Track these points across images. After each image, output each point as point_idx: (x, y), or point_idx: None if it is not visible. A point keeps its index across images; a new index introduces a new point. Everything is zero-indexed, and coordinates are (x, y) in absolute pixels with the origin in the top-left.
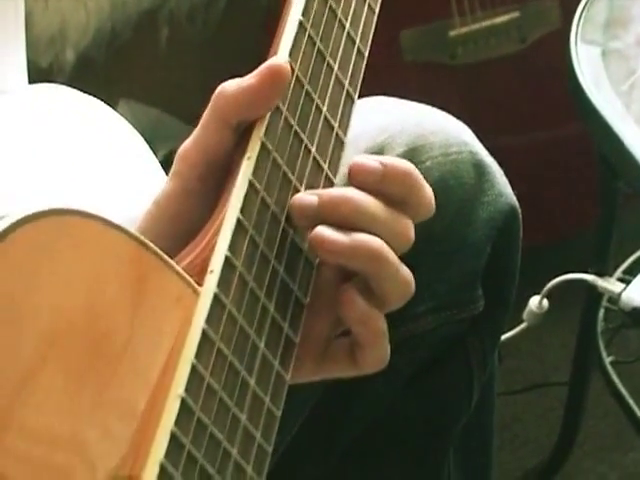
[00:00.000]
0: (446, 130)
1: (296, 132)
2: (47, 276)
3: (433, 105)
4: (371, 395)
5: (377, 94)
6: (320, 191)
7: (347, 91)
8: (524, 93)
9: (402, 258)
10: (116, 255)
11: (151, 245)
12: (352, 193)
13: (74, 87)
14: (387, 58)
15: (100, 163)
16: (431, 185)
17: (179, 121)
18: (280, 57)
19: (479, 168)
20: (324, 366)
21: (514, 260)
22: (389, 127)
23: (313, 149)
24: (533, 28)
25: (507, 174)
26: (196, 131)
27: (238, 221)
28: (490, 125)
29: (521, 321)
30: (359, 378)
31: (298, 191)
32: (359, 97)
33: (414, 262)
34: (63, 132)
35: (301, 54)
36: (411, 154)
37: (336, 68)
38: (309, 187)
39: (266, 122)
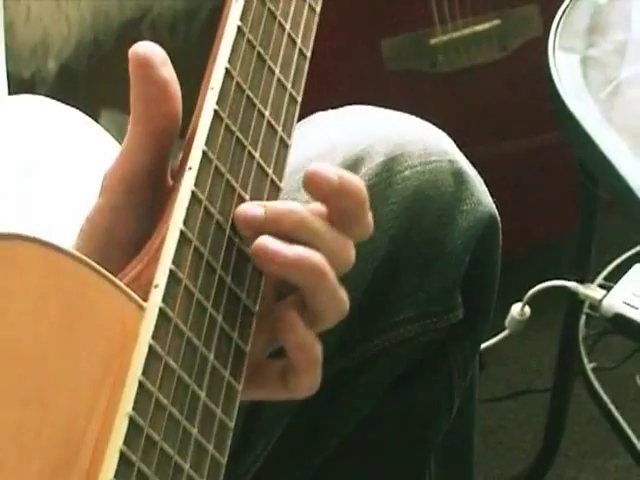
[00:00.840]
0: (425, 139)
1: (238, 139)
2: None
3: (415, 114)
4: (350, 406)
5: (358, 103)
6: (266, 203)
7: (290, 94)
8: (506, 101)
9: (381, 267)
10: (55, 275)
11: (92, 262)
12: (298, 208)
13: (56, 98)
14: (368, 67)
15: (78, 176)
16: (410, 195)
17: None
18: (220, 62)
19: (458, 177)
20: (254, 387)
21: (494, 268)
22: (368, 136)
23: (257, 154)
24: (514, 36)
25: (487, 182)
26: (122, 147)
27: (181, 233)
28: (471, 133)
29: (503, 328)
30: (336, 389)
31: (243, 199)
32: (338, 106)
33: (392, 271)
34: (42, 144)
35: (240, 59)
36: (390, 164)
37: (277, 71)
38: (254, 193)
39: (207, 131)
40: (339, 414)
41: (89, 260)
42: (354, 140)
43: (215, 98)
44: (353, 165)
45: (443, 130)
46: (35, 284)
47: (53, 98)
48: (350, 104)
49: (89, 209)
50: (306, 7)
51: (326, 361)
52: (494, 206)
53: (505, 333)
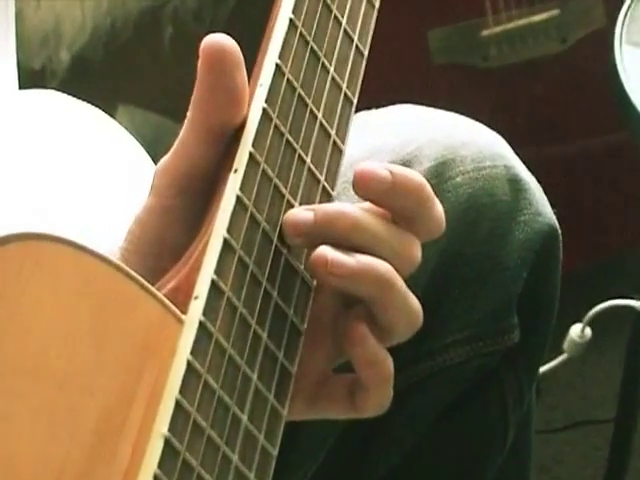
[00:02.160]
0: (478, 142)
1: (288, 141)
2: (12, 307)
3: (464, 113)
4: (394, 436)
5: (403, 101)
6: (316, 206)
7: (345, 94)
8: (565, 98)
9: (429, 284)
10: (89, 283)
11: (128, 270)
12: (350, 209)
13: (68, 92)
14: (414, 61)
15: (94, 178)
16: (462, 203)
17: None
18: (270, 57)
19: (515, 184)
20: (318, 405)
21: (553, 285)
22: (415, 139)
23: (308, 159)
24: (574, 27)
25: (545, 189)
26: (175, 144)
27: (225, 241)
28: (527, 135)
29: (561, 352)
30: (380, 417)
31: (292, 206)
32: (381, 105)
33: (442, 288)
34: (53, 144)
35: (292, 55)
36: (440, 169)
37: (332, 69)
38: (304, 201)
39: (254, 131)
40: (381, 445)
41: (123, 265)
42: (400, 142)
43: (264, 96)
44: None
45: (495, 131)
46: (65, 290)
47: (65, 92)
48: (394, 101)
49: (136, 209)
50: (364, 1)
51: None
52: (554, 216)
53: (563, 357)
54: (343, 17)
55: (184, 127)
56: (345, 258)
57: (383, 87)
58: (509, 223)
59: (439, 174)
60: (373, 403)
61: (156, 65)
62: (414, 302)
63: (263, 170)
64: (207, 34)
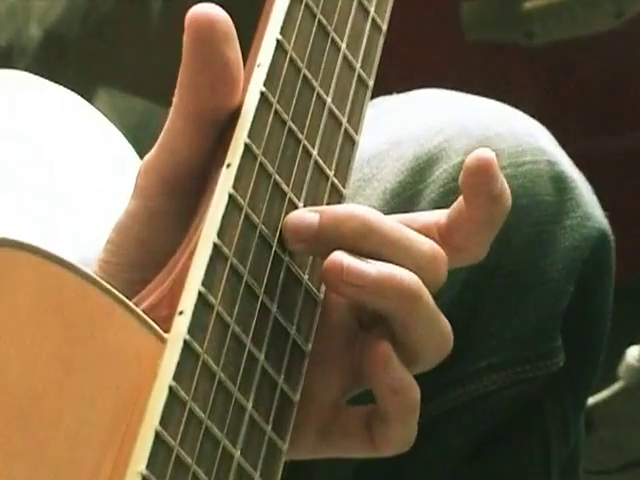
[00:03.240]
0: (517, 133)
1: (291, 130)
2: None
3: (501, 98)
4: (416, 477)
5: (429, 84)
6: (323, 208)
7: (359, 75)
8: (618, 83)
9: (458, 299)
10: (56, 296)
11: (102, 282)
12: (362, 210)
13: (39, 73)
14: (443, 38)
15: (67, 174)
16: None
17: None
18: (270, 32)
19: (560, 182)
20: (330, 441)
21: (605, 300)
22: (444, 129)
23: (314, 151)
24: (633, 0)
25: (596, 189)
26: (161, 136)
27: (215, 246)
28: (576, 124)
29: (616, 379)
30: (400, 455)
31: (294, 206)
32: (405, 90)
33: (473, 304)
34: (18, 134)
35: (296, 30)
36: None
37: (343, 46)
38: (310, 201)
39: (250, 119)
40: None
41: (96, 276)
42: (427, 133)
43: (263, 77)
44: (425, 165)
45: (538, 121)
46: (26, 305)
47: (35, 73)
48: (419, 85)
49: (118, 215)
50: None
51: None
52: (605, 221)
53: (619, 385)
54: None
55: (170, 115)
56: (364, 265)
57: (406, 68)
58: (553, 228)
59: None
60: (395, 439)
61: (142, 42)
62: (443, 322)
63: (261, 164)
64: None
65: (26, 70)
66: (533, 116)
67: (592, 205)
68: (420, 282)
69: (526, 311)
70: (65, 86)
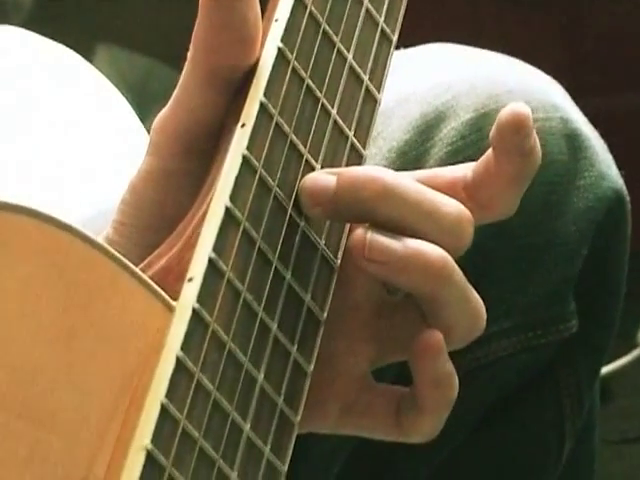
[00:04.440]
0: (529, 88)
1: (309, 88)
2: None
3: (517, 54)
4: (423, 446)
5: (441, 38)
6: (341, 170)
7: (382, 29)
8: (636, 36)
9: (467, 262)
10: (57, 262)
11: (108, 248)
12: (382, 173)
13: (35, 28)
14: None
15: (65, 134)
16: None
17: (176, 72)
18: None
19: (574, 140)
20: (354, 419)
21: (619, 263)
22: (452, 84)
23: (333, 110)
24: None
25: (611, 148)
26: (175, 92)
27: (227, 210)
28: (595, 81)
29: (636, 345)
30: None
31: (312, 168)
32: (412, 44)
33: (483, 267)
34: (15, 92)
35: None
36: (481, 122)
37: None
38: (328, 162)
39: (267, 76)
40: (412, 457)
41: (100, 241)
42: (434, 90)
43: (280, 33)
44: (433, 123)
45: (553, 77)
46: (26, 272)
47: (31, 29)
48: (432, 39)
49: (132, 174)
50: None
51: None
52: (621, 180)
53: (638, 352)
54: None
55: (184, 71)
56: (388, 241)
57: (416, 22)
58: (566, 188)
59: (480, 128)
60: (426, 428)
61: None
62: (474, 298)
63: (277, 124)
64: None
65: (21, 26)
66: (549, 71)
67: (607, 164)
68: (449, 258)
69: (538, 275)
70: (63, 43)
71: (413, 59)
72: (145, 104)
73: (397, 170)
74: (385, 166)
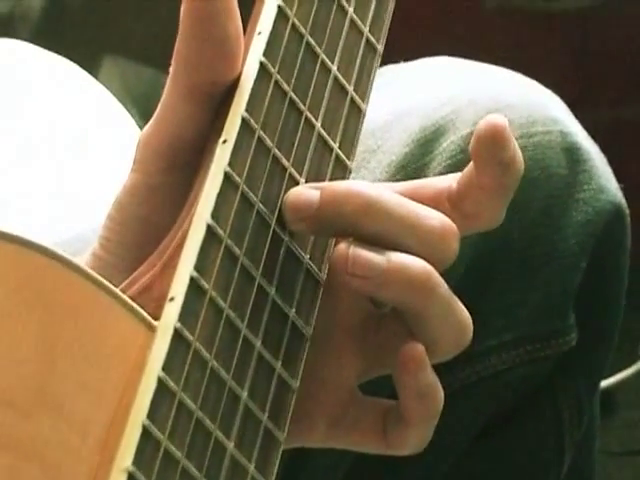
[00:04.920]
0: (529, 102)
1: (292, 101)
2: None
3: (518, 67)
4: (422, 461)
5: (445, 52)
6: (324, 184)
7: (367, 39)
8: None
9: (466, 275)
10: (37, 284)
11: (86, 269)
12: (363, 187)
13: (42, 41)
14: (462, 3)
15: (66, 150)
16: None
17: None
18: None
19: (573, 154)
20: (341, 432)
21: (619, 276)
22: (452, 99)
23: (318, 123)
24: None
25: (611, 161)
26: (158, 109)
27: (208, 227)
28: (593, 94)
29: (638, 357)
30: None
31: (295, 182)
32: (421, 56)
33: (482, 280)
34: (15, 108)
35: None
36: None
37: (350, 9)
38: (312, 176)
39: (249, 91)
40: (412, 470)
41: (77, 262)
42: (433, 104)
43: (262, 46)
44: (432, 137)
45: (554, 90)
46: (6, 295)
47: (38, 41)
48: (434, 52)
49: (117, 190)
50: None
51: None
52: (620, 194)
53: None
54: None
55: (167, 87)
56: (370, 255)
57: (420, 35)
58: (565, 201)
59: None
60: (411, 440)
61: (148, 9)
62: (460, 310)
63: (259, 139)
64: None
65: (28, 38)
66: (555, 85)
67: (606, 178)
68: (433, 272)
69: (537, 287)
70: (69, 56)
71: (413, 73)
72: (151, 115)
73: None
74: (384, 180)
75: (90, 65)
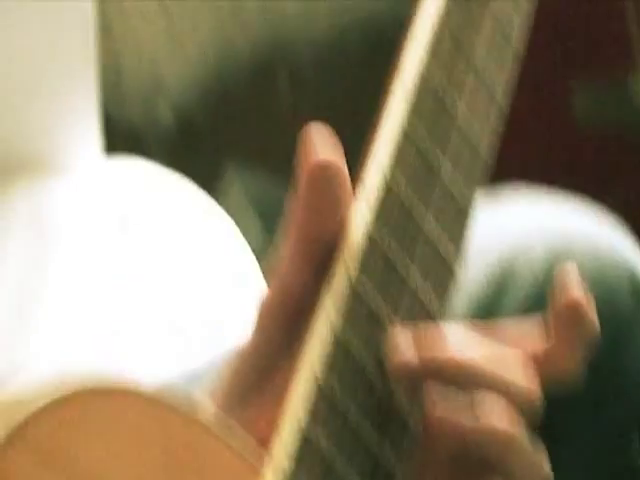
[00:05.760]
0: (599, 247)
1: (398, 272)
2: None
3: (619, 194)
4: None
5: (537, 178)
6: (421, 347)
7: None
8: None
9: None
10: (161, 440)
11: (211, 427)
12: (458, 355)
13: (171, 155)
14: (553, 124)
15: (183, 280)
16: None
17: None
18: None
19: (638, 295)
20: None
21: None
22: (520, 238)
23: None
24: None
25: None
26: (276, 277)
27: (317, 389)
28: None
29: None
30: None
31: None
32: (497, 181)
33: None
34: (131, 235)
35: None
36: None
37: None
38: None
39: (356, 259)
40: None
41: (204, 419)
42: (504, 242)
43: (369, 219)
44: (501, 280)
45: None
46: (132, 447)
47: (168, 154)
48: (526, 177)
49: (239, 343)
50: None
51: None
52: None
53: None
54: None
55: (283, 254)
56: (461, 419)
57: (513, 154)
58: (629, 329)
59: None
60: None
61: (272, 120)
62: (540, 458)
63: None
64: (329, 83)
65: (158, 152)
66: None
67: None
68: (517, 432)
69: (605, 413)
70: (198, 171)
71: (484, 210)
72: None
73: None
74: (460, 317)
75: (217, 180)
